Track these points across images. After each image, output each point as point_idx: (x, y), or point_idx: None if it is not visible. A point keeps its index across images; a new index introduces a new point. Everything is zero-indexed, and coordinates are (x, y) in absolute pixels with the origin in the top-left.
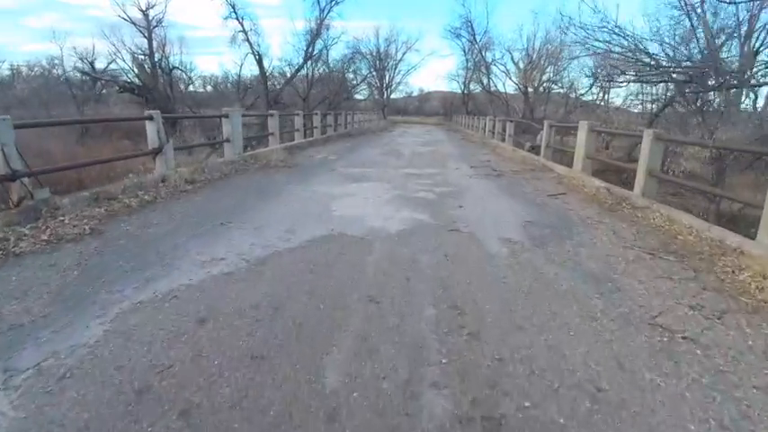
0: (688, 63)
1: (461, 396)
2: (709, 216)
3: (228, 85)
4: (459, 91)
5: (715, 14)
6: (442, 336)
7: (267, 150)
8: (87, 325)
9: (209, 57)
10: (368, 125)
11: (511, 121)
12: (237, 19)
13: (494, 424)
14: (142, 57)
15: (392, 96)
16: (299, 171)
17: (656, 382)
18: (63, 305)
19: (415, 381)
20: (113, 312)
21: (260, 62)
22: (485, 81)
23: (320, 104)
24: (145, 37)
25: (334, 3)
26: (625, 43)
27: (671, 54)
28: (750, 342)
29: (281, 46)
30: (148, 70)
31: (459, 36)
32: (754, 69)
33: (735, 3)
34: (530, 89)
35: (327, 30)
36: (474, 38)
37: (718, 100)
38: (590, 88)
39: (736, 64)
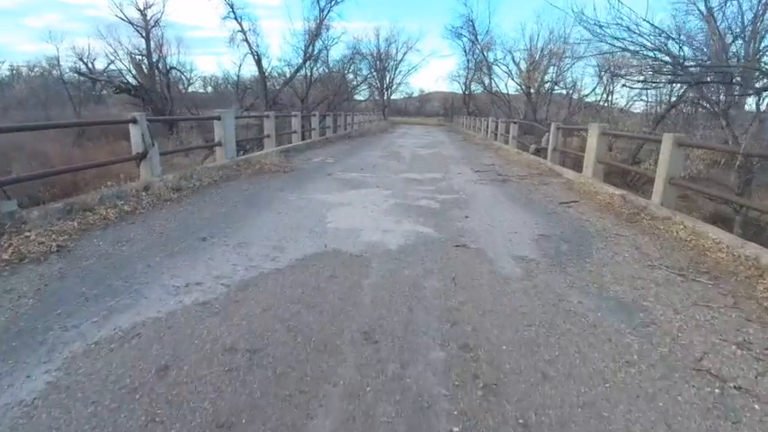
0: (722, 65)
1: None
2: (734, 226)
3: (228, 86)
4: (460, 91)
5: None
6: (453, 390)
7: (262, 154)
8: (29, 374)
9: (210, 57)
10: (368, 126)
11: (515, 123)
12: (236, 19)
13: None
14: (140, 57)
15: (393, 97)
16: (295, 176)
17: None
18: (6, 346)
19: None
20: (63, 356)
21: (259, 62)
22: (486, 81)
23: (320, 105)
24: (142, 37)
25: (333, 3)
26: (646, 42)
27: (696, 55)
28: None
29: (281, 46)
30: (146, 71)
31: (460, 36)
32: None
33: None
34: (532, 90)
35: (327, 30)
36: (476, 37)
37: (743, 103)
38: (594, 88)
39: None
